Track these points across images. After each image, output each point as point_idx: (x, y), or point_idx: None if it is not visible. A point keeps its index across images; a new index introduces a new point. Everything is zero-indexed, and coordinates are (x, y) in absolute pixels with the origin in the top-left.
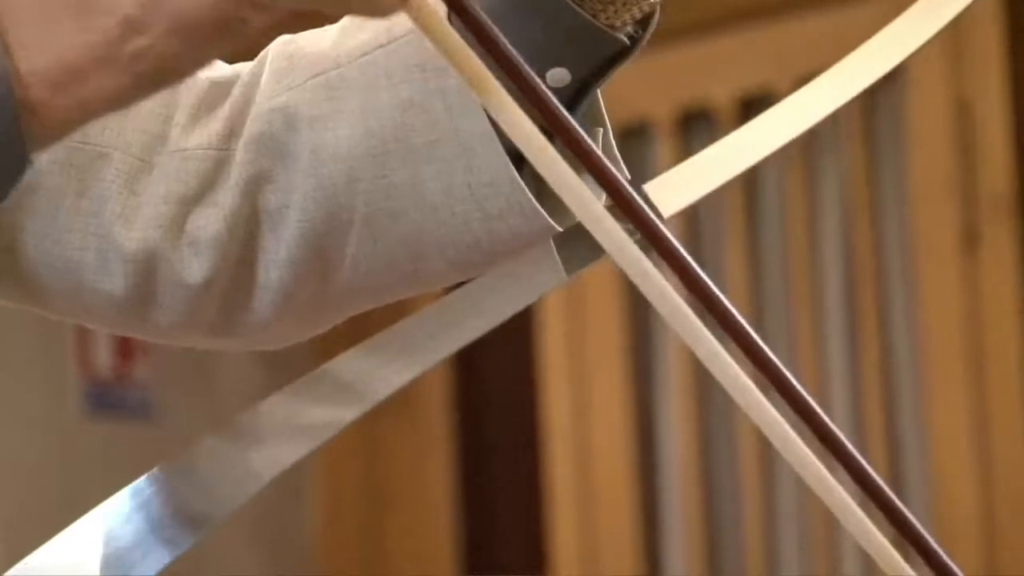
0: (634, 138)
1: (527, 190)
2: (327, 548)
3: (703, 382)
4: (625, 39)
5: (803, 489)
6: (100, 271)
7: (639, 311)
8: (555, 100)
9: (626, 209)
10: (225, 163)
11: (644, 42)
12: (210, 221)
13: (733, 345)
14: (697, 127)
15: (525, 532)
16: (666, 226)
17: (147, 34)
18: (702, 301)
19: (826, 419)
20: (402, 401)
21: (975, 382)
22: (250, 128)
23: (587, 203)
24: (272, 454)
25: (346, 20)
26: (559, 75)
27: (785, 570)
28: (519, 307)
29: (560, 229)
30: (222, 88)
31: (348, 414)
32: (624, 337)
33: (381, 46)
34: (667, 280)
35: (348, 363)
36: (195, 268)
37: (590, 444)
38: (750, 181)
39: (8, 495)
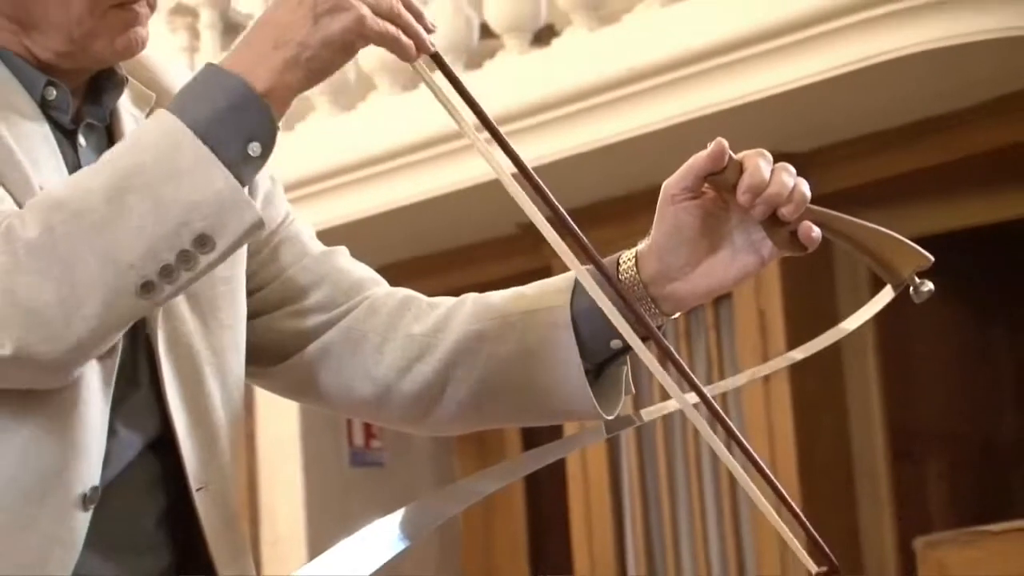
0: None
1: (593, 399)
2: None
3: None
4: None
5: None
6: (361, 390)
7: None
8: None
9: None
10: (430, 346)
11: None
12: (423, 374)
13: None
14: None
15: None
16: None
17: (311, 48)
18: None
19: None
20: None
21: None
22: (455, 338)
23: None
24: (449, 507)
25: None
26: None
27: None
28: (568, 453)
29: (609, 418)
30: (434, 307)
31: (475, 496)
32: None
33: (524, 312)
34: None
35: (477, 479)
36: (411, 393)
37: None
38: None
39: (314, 513)
